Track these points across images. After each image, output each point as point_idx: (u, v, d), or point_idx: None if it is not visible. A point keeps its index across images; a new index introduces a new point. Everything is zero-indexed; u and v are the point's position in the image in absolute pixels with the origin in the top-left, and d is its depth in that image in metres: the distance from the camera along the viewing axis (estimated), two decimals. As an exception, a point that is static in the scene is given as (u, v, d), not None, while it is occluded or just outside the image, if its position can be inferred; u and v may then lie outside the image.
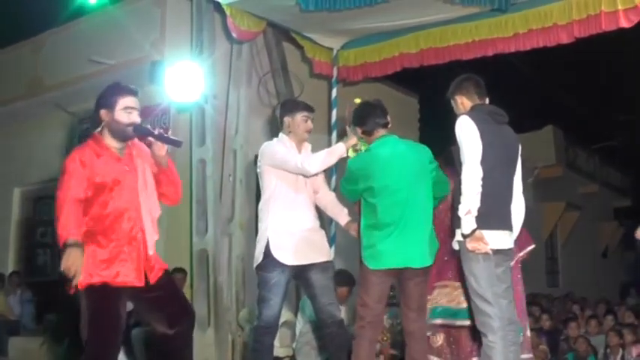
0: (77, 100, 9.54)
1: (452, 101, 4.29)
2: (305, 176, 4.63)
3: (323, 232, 4.79)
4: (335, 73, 8.06)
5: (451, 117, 4.37)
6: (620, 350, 7.78)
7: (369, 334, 4.36)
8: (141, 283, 3.70)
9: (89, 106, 9.43)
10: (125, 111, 3.74)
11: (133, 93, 3.82)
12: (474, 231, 3.84)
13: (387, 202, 4.29)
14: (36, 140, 10.36)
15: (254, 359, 4.62)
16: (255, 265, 4.60)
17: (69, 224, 3.56)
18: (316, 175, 4.68)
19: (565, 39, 6.70)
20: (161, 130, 3.89)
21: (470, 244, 3.87)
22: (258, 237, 4.63)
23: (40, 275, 9.41)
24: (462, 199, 3.85)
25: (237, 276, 7.68)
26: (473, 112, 4.06)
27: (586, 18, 6.42)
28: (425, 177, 4.39)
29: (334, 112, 7.87)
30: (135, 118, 3.78)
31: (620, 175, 19.68)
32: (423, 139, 11.00)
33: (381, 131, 4.46)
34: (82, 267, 3.55)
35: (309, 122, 4.74)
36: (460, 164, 4.01)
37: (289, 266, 4.49)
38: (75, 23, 9.59)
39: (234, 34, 7.35)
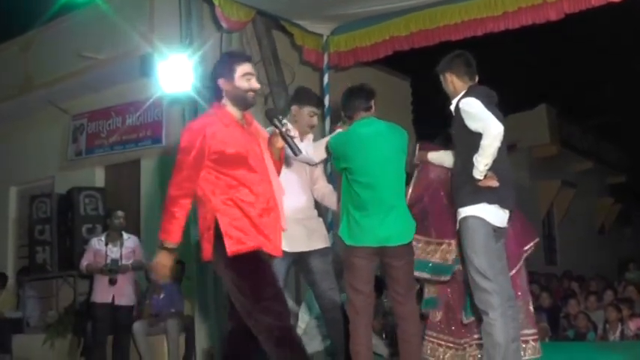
0: (69, 97, 9.54)
1: (441, 76, 4.34)
2: (309, 164, 4.67)
3: (320, 219, 4.83)
4: (326, 59, 8.03)
5: (443, 98, 4.38)
6: (619, 325, 7.82)
7: (364, 320, 4.34)
8: (279, 254, 3.64)
9: (81, 102, 9.51)
10: (245, 77, 3.62)
11: (249, 59, 3.77)
12: (485, 175, 4.00)
13: (363, 180, 4.31)
14: (30, 138, 10.36)
15: None
16: None
17: (172, 226, 3.49)
18: (319, 162, 4.75)
19: (554, 16, 6.65)
20: (289, 129, 3.78)
21: (482, 183, 4.00)
22: None
23: (39, 273, 9.39)
24: (484, 152, 3.93)
25: (237, 265, 7.68)
26: (474, 93, 4.13)
27: (575, -7, 6.40)
28: (400, 158, 4.43)
29: (327, 99, 7.84)
30: (254, 84, 3.68)
31: (614, 152, 19.67)
32: (416, 121, 11.01)
33: (362, 114, 4.48)
34: (168, 271, 3.56)
35: (315, 119, 4.79)
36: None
37: (290, 253, 4.49)
38: (63, 19, 9.55)
39: (223, 24, 7.32)
